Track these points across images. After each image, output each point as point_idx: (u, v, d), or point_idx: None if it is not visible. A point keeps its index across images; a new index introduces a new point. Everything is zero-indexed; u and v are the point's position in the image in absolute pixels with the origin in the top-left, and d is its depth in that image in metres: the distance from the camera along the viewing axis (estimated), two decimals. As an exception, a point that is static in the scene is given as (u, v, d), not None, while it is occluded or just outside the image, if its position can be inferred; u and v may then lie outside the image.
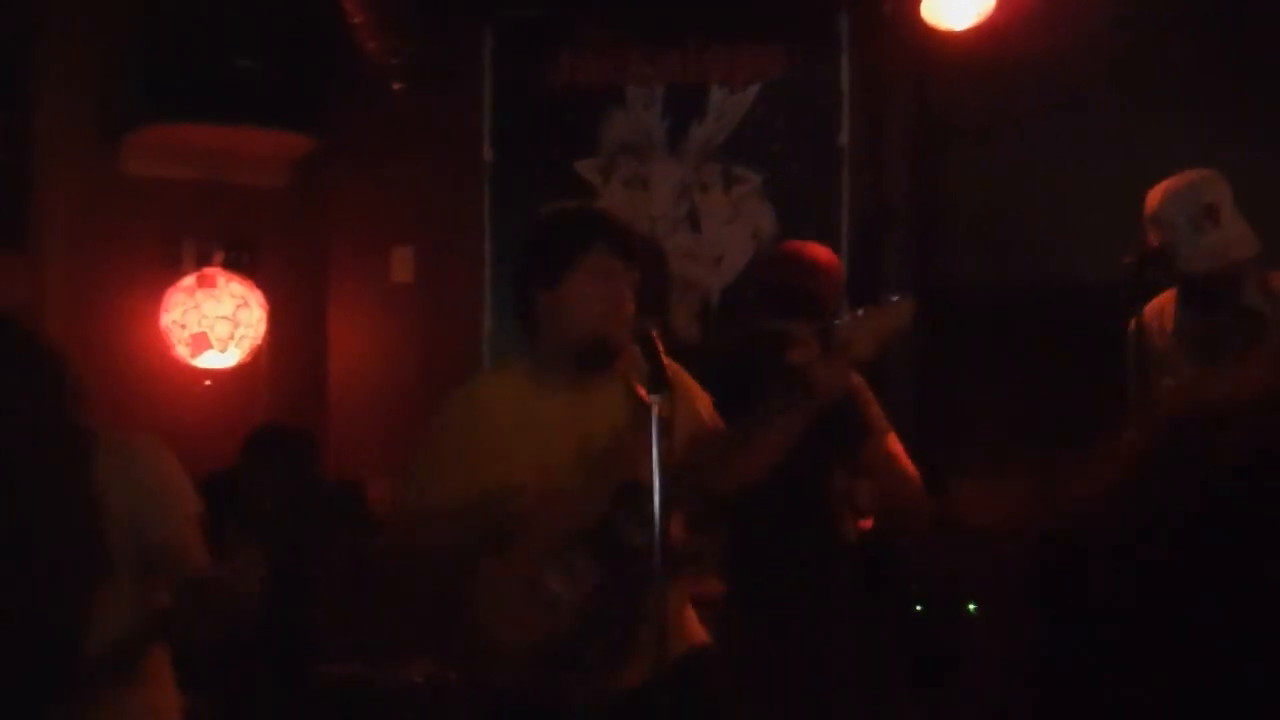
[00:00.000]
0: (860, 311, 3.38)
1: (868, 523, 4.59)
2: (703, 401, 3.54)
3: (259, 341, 5.96)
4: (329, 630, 5.16)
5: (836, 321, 3.46)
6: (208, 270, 5.93)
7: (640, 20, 6.25)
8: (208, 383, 5.92)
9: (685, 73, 6.24)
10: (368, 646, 5.22)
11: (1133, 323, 4.14)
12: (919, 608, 5.26)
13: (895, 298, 3.43)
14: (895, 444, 4.31)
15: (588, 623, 3.27)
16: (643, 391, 3.05)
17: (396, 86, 6.22)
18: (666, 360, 3.08)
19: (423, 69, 6.26)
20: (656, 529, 3.00)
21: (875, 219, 5.83)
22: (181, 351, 5.85)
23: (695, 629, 3.53)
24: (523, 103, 6.39)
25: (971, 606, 5.36)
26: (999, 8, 5.31)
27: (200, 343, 5.83)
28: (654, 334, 3.12)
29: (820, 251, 4.67)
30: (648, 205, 6.22)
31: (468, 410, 3.45)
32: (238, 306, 5.89)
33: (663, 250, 5.98)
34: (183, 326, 5.82)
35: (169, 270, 5.99)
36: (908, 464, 4.33)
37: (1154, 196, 4.12)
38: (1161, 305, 4.19)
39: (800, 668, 4.33)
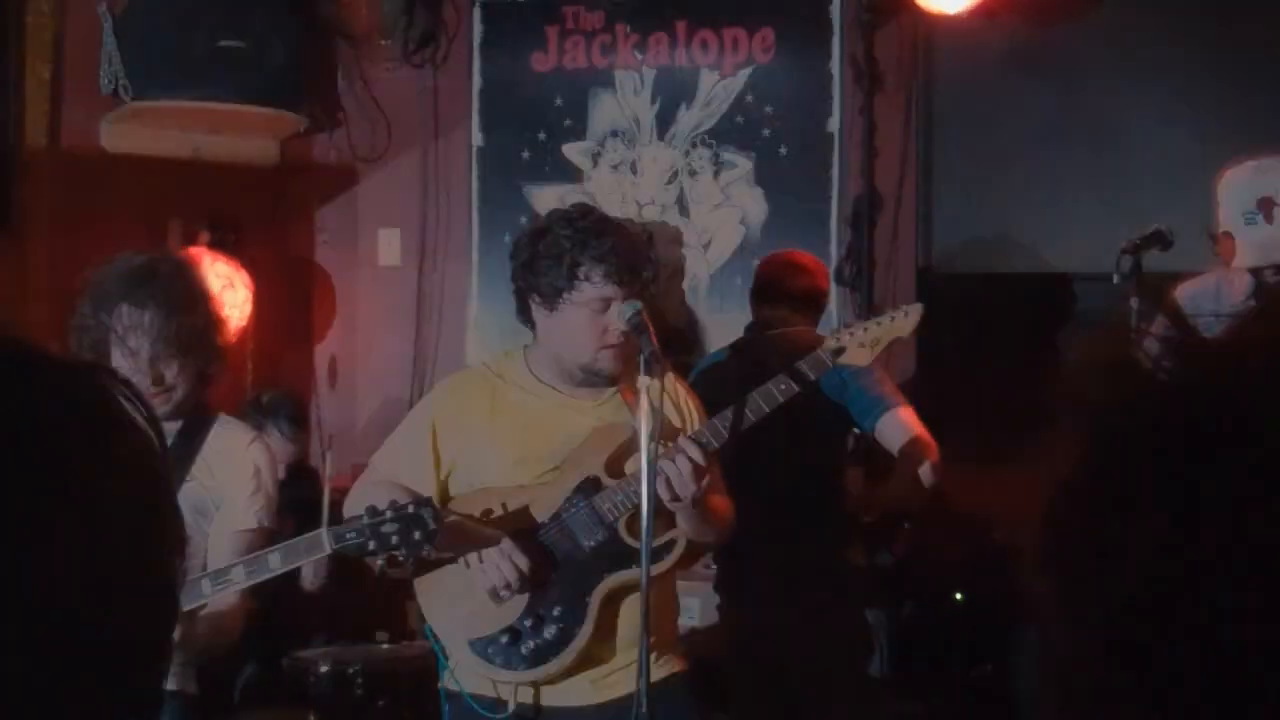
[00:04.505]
0: (864, 323, 3.52)
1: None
2: (688, 406, 3.52)
3: (244, 322, 5.91)
4: (303, 613, 5.15)
5: (833, 333, 3.55)
6: (193, 250, 5.88)
7: (630, 4, 6.22)
8: (192, 363, 5.86)
9: (675, 57, 6.20)
10: (338, 629, 5.21)
11: (1169, 300, 3.95)
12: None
13: (904, 310, 3.55)
14: (907, 416, 4.29)
15: (528, 617, 3.28)
16: (631, 399, 3.07)
17: (385, 67, 6.18)
18: (659, 349, 3.09)
19: (411, 50, 6.23)
20: (644, 523, 3.01)
21: (865, 204, 5.81)
22: (166, 331, 5.80)
23: (676, 654, 3.47)
24: (511, 86, 6.36)
25: (958, 596, 5.36)
26: (992, -8, 5.28)
27: (185, 323, 5.78)
28: (645, 318, 3.13)
29: (806, 257, 4.90)
30: (636, 190, 6.19)
31: (461, 392, 3.49)
32: (223, 287, 5.83)
33: (651, 235, 5.94)
34: (167, 306, 5.77)
35: (154, 249, 5.94)
36: (918, 437, 4.29)
37: (1221, 176, 3.91)
38: (1218, 279, 3.92)
39: (787, 653, 4.32)
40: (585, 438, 3.35)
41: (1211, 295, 3.92)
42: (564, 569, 3.32)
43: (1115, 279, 4.01)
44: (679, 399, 3.48)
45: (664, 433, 3.21)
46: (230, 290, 5.86)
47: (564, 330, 3.32)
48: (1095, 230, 5.09)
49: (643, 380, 3.06)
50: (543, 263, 3.32)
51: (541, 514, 3.34)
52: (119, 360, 3.20)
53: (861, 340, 3.47)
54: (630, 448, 3.27)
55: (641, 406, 3.04)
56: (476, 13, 6.37)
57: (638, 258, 3.37)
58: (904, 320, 3.53)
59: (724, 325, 5.61)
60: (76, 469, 0.82)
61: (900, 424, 4.29)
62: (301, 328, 6.50)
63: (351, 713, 4.73)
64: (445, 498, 3.35)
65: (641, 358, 3.10)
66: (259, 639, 4.75)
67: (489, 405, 3.39)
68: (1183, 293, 3.97)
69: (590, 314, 3.27)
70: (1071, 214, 5.47)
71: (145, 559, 0.85)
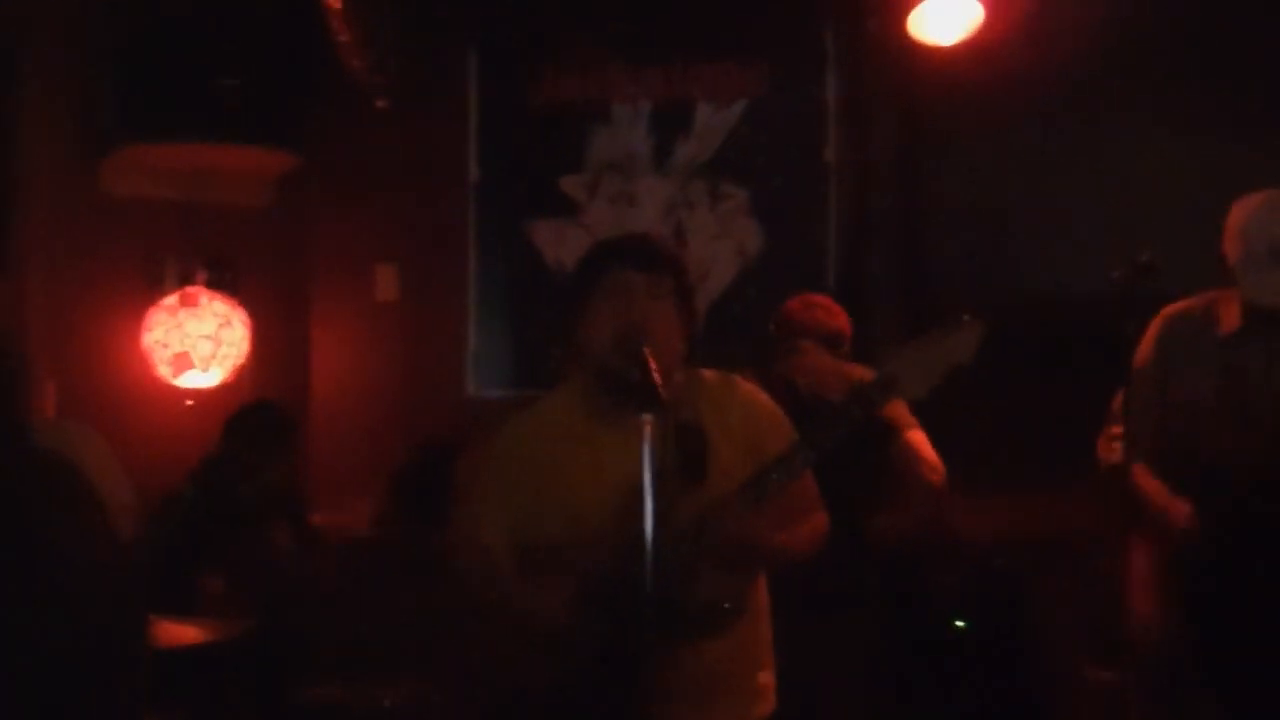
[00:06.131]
0: (914, 343, 2.98)
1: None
2: (767, 425, 3.26)
3: (242, 361, 5.92)
4: (307, 652, 5.12)
5: (887, 358, 3.00)
6: (190, 289, 5.89)
7: (625, 38, 6.24)
8: (190, 403, 5.87)
9: (670, 90, 6.23)
10: (346, 669, 5.18)
11: (1158, 321, 3.92)
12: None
13: (965, 319, 2.98)
14: (916, 436, 4.25)
15: (590, 679, 3.03)
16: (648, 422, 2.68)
17: (381, 104, 6.19)
18: (658, 378, 2.91)
19: (407, 87, 6.23)
20: (649, 568, 2.71)
21: (861, 234, 5.82)
22: (164, 371, 5.80)
23: (763, 696, 3.25)
24: (508, 120, 6.38)
25: (960, 623, 5.34)
26: (985, 24, 5.30)
27: (182, 362, 5.79)
28: (645, 350, 3.00)
29: (825, 298, 4.76)
30: (634, 222, 6.20)
31: (516, 440, 3.26)
32: (220, 325, 5.85)
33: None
34: (165, 346, 5.78)
35: (151, 289, 5.95)
36: (924, 460, 4.25)
37: (1244, 209, 3.75)
38: (1208, 305, 3.88)
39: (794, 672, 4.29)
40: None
41: (1199, 320, 3.90)
42: (627, 630, 2.94)
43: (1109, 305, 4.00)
44: (755, 408, 3.29)
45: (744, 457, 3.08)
46: (228, 329, 5.87)
47: (589, 333, 3.10)
48: (1089, 255, 5.09)
49: (644, 419, 2.88)
50: (575, 272, 3.20)
51: (609, 569, 3.03)
52: None
53: (913, 368, 2.92)
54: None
55: (645, 448, 2.85)
56: (473, 48, 6.40)
57: (654, 244, 3.21)
58: (960, 339, 2.95)
59: (722, 357, 5.60)
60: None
61: (910, 448, 4.27)
62: (299, 365, 6.50)
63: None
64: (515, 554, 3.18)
65: (640, 395, 2.90)
66: (267, 676, 4.75)
67: (549, 450, 3.18)
68: (1172, 315, 3.96)
69: (609, 303, 3.07)
70: (1065, 239, 5.49)
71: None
